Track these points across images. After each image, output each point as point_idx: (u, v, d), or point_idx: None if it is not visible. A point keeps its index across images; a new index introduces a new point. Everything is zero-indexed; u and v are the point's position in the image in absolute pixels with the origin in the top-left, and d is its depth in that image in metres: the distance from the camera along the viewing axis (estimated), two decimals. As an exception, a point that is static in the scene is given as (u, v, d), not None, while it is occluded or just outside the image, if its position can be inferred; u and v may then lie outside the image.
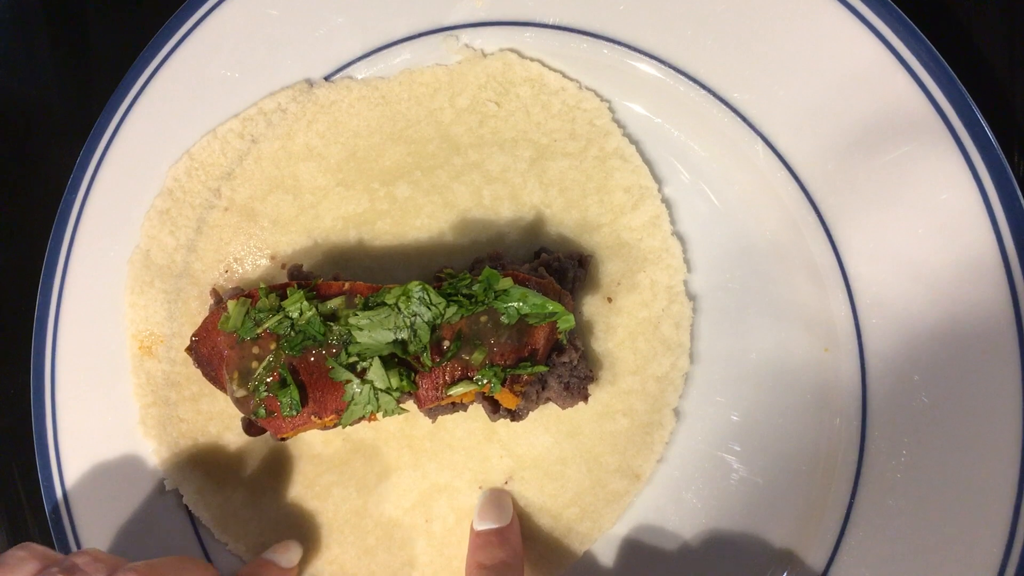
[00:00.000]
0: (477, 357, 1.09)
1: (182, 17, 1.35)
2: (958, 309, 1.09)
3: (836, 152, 1.14)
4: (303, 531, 1.32)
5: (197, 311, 1.36)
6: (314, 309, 1.13)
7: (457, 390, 1.10)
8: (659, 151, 1.26)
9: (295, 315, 1.13)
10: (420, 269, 1.29)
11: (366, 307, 1.13)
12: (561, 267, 1.20)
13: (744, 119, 1.18)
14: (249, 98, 1.36)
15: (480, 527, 1.19)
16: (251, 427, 1.26)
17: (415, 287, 1.11)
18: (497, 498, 1.22)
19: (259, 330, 1.14)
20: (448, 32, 1.30)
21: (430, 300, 1.11)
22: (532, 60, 1.29)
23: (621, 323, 1.24)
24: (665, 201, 1.25)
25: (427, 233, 1.30)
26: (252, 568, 1.23)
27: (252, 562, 1.25)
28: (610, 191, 1.25)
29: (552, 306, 1.10)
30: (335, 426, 1.21)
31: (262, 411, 1.14)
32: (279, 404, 1.13)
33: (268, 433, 1.26)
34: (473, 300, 1.11)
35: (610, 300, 1.24)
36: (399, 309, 1.11)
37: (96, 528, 1.36)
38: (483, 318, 1.10)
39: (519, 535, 1.20)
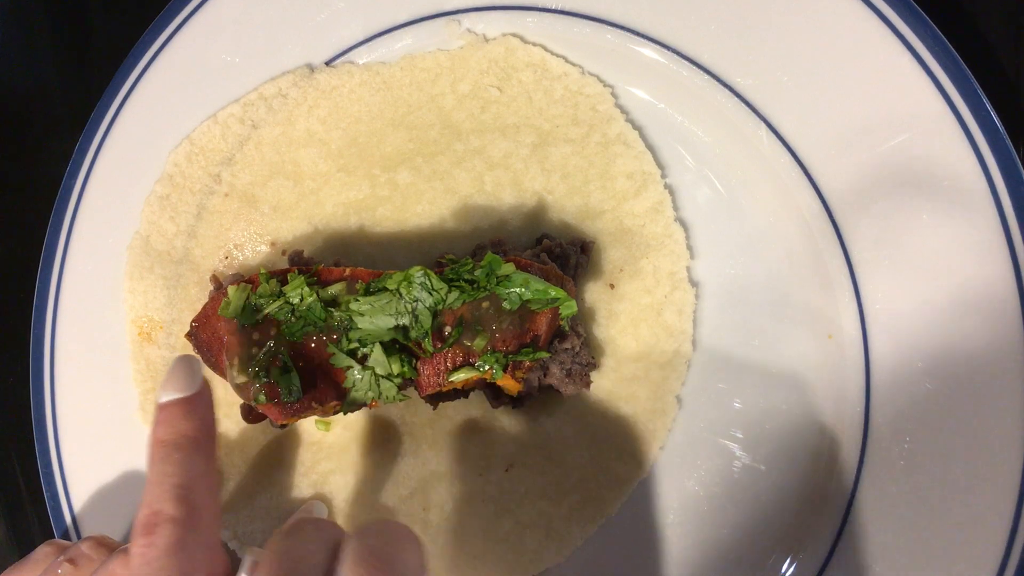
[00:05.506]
0: (479, 343, 1.08)
1: (183, 1, 1.34)
2: (963, 295, 1.08)
3: (841, 137, 1.14)
4: (303, 519, 1.31)
5: (197, 297, 1.36)
6: (315, 295, 1.12)
7: (459, 376, 1.09)
8: (663, 137, 1.25)
9: (296, 301, 1.12)
10: (421, 256, 1.29)
11: (367, 293, 1.12)
12: (563, 253, 1.19)
13: (748, 104, 1.18)
14: (250, 83, 1.36)
15: (164, 399, 1.02)
16: (250, 414, 1.26)
17: (417, 272, 1.10)
18: (185, 364, 1.05)
19: (259, 316, 1.13)
20: (450, 17, 1.29)
21: (432, 285, 1.10)
22: (534, 45, 1.28)
23: (623, 310, 1.23)
24: (668, 187, 1.24)
25: (428, 219, 1.30)
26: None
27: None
28: (613, 177, 1.25)
29: (554, 292, 1.09)
30: (336, 413, 1.20)
31: (262, 397, 1.13)
32: (279, 390, 1.12)
33: (268, 420, 1.26)
34: (475, 286, 1.10)
35: (612, 287, 1.24)
36: (400, 295, 1.10)
37: (95, 515, 1.36)
38: (485, 304, 1.10)
39: (211, 407, 1.05)
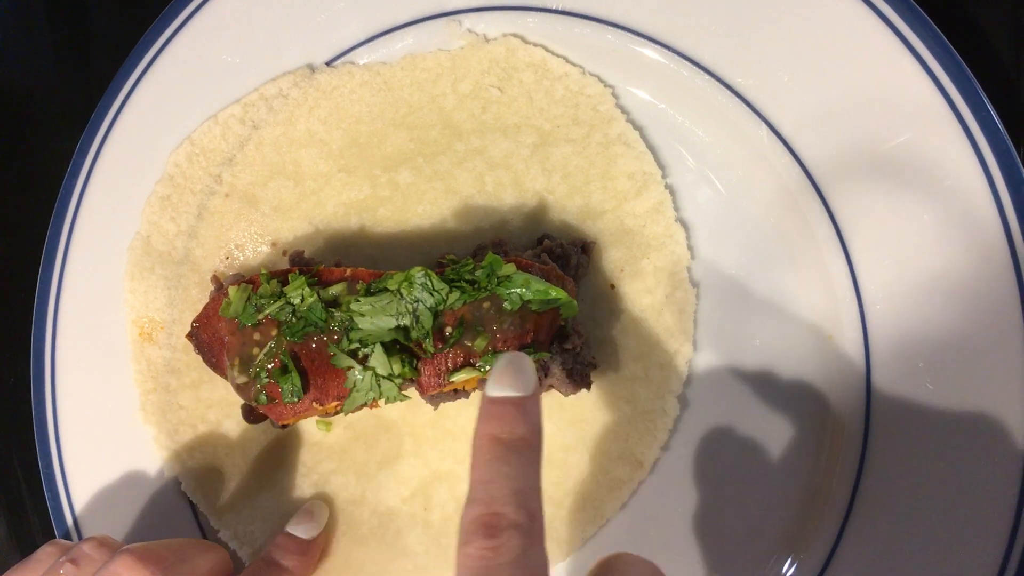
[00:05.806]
0: (480, 343, 1.08)
1: (183, 1, 1.34)
2: (963, 296, 1.08)
3: (840, 137, 1.14)
4: (302, 519, 1.31)
5: (198, 298, 1.36)
6: (316, 295, 1.12)
7: (459, 377, 1.09)
8: (663, 137, 1.25)
9: (296, 301, 1.13)
10: (422, 256, 1.29)
11: (368, 293, 1.12)
12: (564, 253, 1.19)
13: (748, 104, 1.18)
14: (250, 83, 1.36)
15: (496, 393, 0.92)
16: (251, 414, 1.26)
17: (418, 273, 1.10)
18: (520, 362, 0.96)
19: (260, 316, 1.14)
20: (451, 17, 1.29)
21: (432, 286, 1.10)
22: (535, 45, 1.28)
23: (624, 310, 1.23)
24: (669, 187, 1.24)
25: (429, 220, 1.30)
26: (274, 546, 1.22)
27: (276, 536, 1.24)
28: (614, 177, 1.25)
29: (555, 292, 1.09)
30: (337, 413, 1.21)
31: (263, 397, 1.14)
32: (280, 391, 1.12)
33: (269, 420, 1.26)
34: (476, 286, 1.10)
35: (613, 287, 1.24)
36: (401, 295, 1.10)
37: (96, 515, 1.36)
38: (486, 304, 1.10)
39: (541, 412, 0.95)
